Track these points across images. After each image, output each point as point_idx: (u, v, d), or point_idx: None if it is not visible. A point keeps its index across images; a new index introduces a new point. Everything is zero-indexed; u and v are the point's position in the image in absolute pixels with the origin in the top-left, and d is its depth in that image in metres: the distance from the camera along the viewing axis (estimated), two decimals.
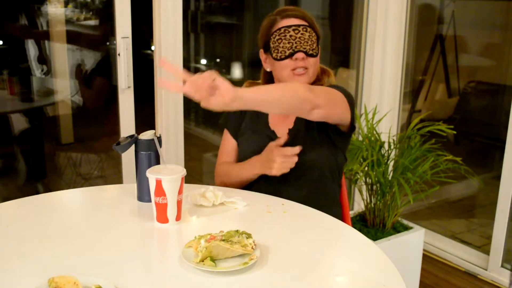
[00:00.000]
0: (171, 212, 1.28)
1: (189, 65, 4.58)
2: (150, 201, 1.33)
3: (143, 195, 1.43)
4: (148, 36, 3.13)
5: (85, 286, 0.95)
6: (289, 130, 1.60)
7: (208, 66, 4.66)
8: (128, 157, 2.11)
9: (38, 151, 3.40)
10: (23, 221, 1.32)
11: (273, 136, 1.61)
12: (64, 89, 3.27)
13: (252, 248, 1.10)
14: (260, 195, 1.51)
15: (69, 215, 1.40)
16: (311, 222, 1.36)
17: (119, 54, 2.20)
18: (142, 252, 1.22)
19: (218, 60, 4.75)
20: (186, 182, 1.33)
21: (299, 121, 1.61)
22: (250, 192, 1.53)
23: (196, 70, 4.78)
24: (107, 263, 1.11)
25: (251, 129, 1.67)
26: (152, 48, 2.41)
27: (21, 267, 1.08)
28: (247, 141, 1.65)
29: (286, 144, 1.55)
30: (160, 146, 1.40)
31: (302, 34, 1.53)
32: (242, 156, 1.66)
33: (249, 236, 1.13)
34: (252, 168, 1.57)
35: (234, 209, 1.41)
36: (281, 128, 1.62)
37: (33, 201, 1.47)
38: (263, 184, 1.58)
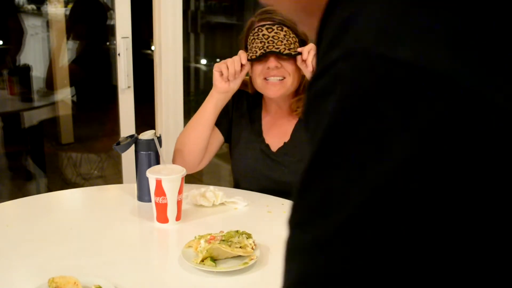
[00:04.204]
0: (171, 212, 1.28)
1: (189, 65, 4.58)
2: (150, 201, 1.33)
3: (143, 195, 1.43)
4: (148, 36, 3.14)
5: (85, 286, 0.95)
6: (285, 143, 1.52)
7: (208, 66, 4.66)
8: (128, 157, 2.11)
9: (38, 151, 3.40)
10: (23, 221, 1.32)
11: (267, 151, 1.53)
12: (64, 90, 3.27)
13: (252, 248, 1.10)
14: (260, 195, 1.51)
15: (69, 215, 1.40)
16: None
17: (119, 54, 2.20)
18: (142, 252, 1.22)
19: (218, 60, 4.75)
20: (186, 182, 1.33)
21: (295, 135, 1.52)
22: (250, 192, 1.52)
23: (196, 70, 4.78)
24: (107, 263, 1.11)
25: (245, 140, 1.57)
26: (152, 48, 2.41)
27: (21, 267, 1.08)
28: (240, 155, 1.57)
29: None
30: (160, 146, 1.40)
31: (276, 33, 1.39)
32: (235, 170, 1.60)
33: (249, 236, 1.13)
34: (209, 97, 1.51)
35: (234, 209, 1.41)
36: (276, 140, 1.54)
37: (33, 201, 1.47)
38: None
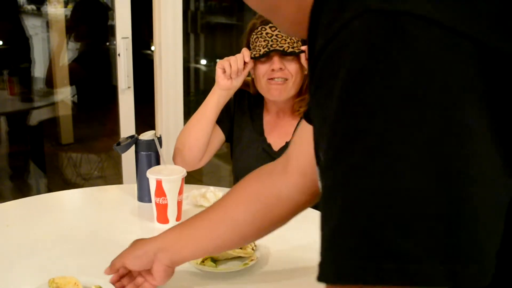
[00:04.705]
0: (172, 212, 1.28)
1: (189, 65, 4.58)
2: (150, 201, 1.33)
3: (143, 195, 1.43)
4: (148, 36, 3.14)
5: (85, 287, 0.95)
6: (286, 143, 1.52)
7: (208, 66, 4.66)
8: (128, 158, 2.11)
9: (38, 151, 3.40)
10: (23, 221, 1.32)
11: (269, 150, 1.53)
12: (64, 89, 3.27)
13: (252, 249, 1.10)
14: None
15: (69, 215, 1.39)
16: (311, 222, 1.35)
17: (119, 54, 2.20)
18: None
19: (218, 60, 4.74)
20: (186, 183, 1.32)
21: None
22: None
23: (196, 70, 4.77)
24: (107, 263, 1.10)
25: (246, 139, 1.57)
26: (152, 48, 2.41)
27: (21, 267, 1.08)
28: (241, 155, 1.58)
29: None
30: (161, 146, 1.40)
31: (279, 31, 1.39)
32: (236, 170, 1.60)
33: None
34: (211, 94, 1.51)
35: None
36: (278, 140, 1.54)
37: (33, 201, 1.47)
38: None
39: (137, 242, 0.95)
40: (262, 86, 1.48)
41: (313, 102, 0.45)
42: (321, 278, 0.39)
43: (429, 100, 0.36)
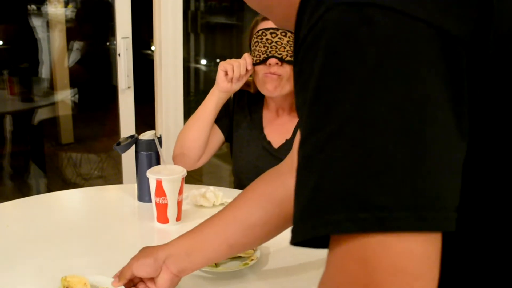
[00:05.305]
0: (172, 212, 1.28)
1: (189, 65, 4.58)
2: (150, 201, 1.33)
3: (143, 195, 1.43)
4: (148, 36, 3.14)
5: (93, 285, 0.95)
6: (286, 140, 1.53)
7: (208, 66, 4.66)
8: (128, 157, 2.11)
9: (38, 151, 3.40)
10: (23, 221, 1.32)
11: (268, 148, 1.54)
12: (64, 90, 3.27)
13: (252, 249, 1.10)
14: None
15: (69, 215, 1.39)
16: None
17: (119, 54, 2.20)
18: None
19: (218, 60, 4.74)
20: (186, 183, 1.33)
21: (297, 132, 1.55)
22: None
23: (196, 70, 4.77)
24: (107, 263, 1.11)
25: (246, 137, 1.58)
26: (152, 48, 2.41)
27: (20, 268, 1.08)
28: (241, 153, 1.58)
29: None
30: (161, 146, 1.40)
31: (279, 38, 1.41)
32: (236, 168, 1.60)
33: None
34: (210, 94, 1.54)
35: None
36: (278, 138, 1.55)
37: (33, 201, 1.47)
38: None
39: (146, 250, 0.93)
40: (259, 80, 1.49)
41: (297, 88, 0.50)
42: (297, 235, 0.44)
43: (393, 74, 0.41)
